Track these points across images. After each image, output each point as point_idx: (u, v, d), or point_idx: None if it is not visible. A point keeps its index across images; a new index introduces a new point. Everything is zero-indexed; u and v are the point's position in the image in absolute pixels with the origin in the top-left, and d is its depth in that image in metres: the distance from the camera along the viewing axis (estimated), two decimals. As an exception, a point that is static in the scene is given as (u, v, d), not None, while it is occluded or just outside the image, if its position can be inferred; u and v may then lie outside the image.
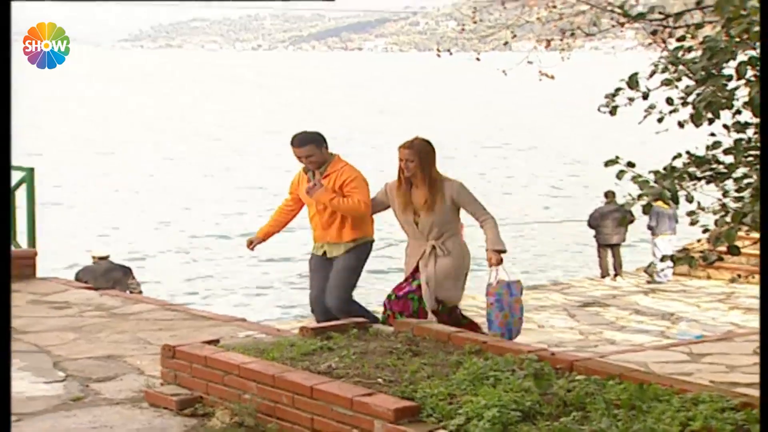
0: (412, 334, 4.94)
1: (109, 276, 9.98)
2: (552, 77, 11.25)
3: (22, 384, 4.77)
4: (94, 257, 10.34)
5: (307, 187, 6.45)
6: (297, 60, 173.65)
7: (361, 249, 6.59)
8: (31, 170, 7.78)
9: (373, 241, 6.77)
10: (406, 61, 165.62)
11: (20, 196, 7.80)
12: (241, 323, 6.26)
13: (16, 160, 7.22)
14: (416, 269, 6.37)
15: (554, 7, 11.29)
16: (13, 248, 7.78)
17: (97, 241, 16.78)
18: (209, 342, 4.80)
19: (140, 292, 9.83)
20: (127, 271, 10.34)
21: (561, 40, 11.07)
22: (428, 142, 6.37)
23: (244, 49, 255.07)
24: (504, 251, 6.42)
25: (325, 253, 6.56)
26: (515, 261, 18.26)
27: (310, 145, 6.56)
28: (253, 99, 63.01)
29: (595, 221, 13.89)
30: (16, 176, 7.77)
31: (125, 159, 31.61)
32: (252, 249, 6.90)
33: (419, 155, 6.26)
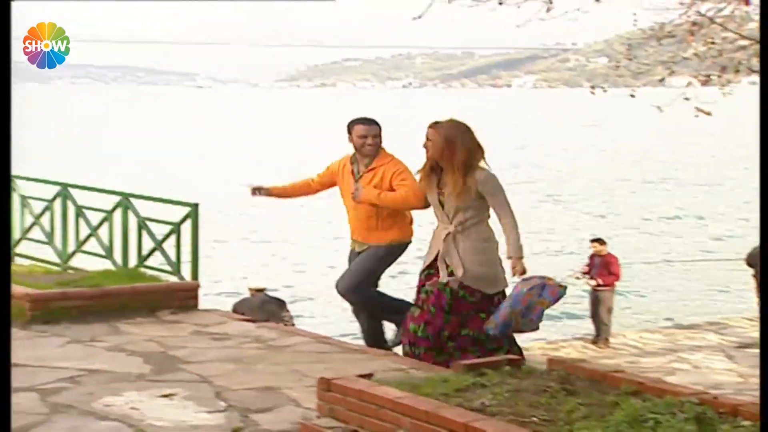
0: (566, 373, 4.88)
1: (264, 308, 10.24)
2: (709, 113, 10.97)
3: (186, 413, 4.96)
4: (250, 289, 10.63)
5: (352, 194, 6.40)
6: (446, 97, 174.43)
7: (395, 247, 6.54)
8: (195, 205, 8.10)
9: (409, 242, 6.64)
10: (555, 97, 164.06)
11: (185, 230, 8.12)
12: (393, 357, 6.32)
13: (186, 196, 7.50)
14: (435, 258, 6.28)
15: (713, 42, 11.03)
16: (176, 280, 8.11)
17: (255, 273, 17.25)
18: (363, 376, 4.88)
19: (293, 325, 10.05)
20: (281, 304, 10.58)
21: (719, 76, 10.80)
22: (460, 124, 6.19)
23: (394, 87, 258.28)
24: (522, 258, 6.22)
25: (357, 248, 6.61)
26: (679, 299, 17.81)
27: (378, 126, 6.51)
28: (404, 135, 63.55)
29: (754, 259, 13.40)
30: (182, 211, 8.12)
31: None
32: (254, 195, 6.90)
33: (445, 137, 6.11)
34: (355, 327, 7.42)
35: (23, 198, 9.51)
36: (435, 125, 6.19)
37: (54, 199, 9.07)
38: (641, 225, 28.52)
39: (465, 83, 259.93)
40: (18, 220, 9.60)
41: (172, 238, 8.24)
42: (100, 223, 8.90)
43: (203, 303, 7.83)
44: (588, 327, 13.27)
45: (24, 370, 5.72)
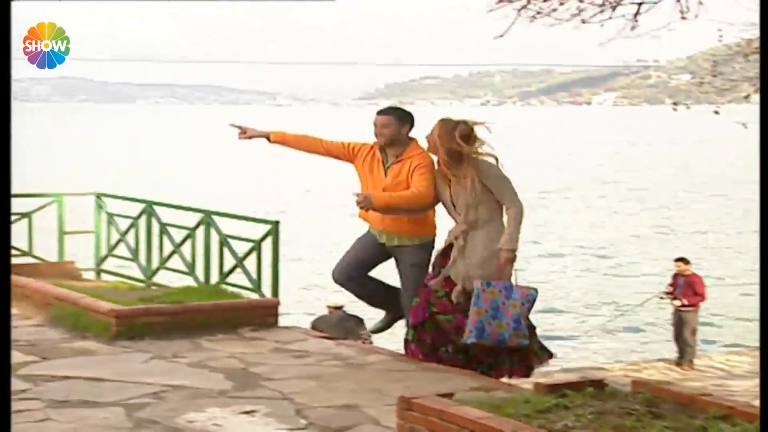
0: (652, 395, 4.78)
1: (342, 325, 10.26)
2: (798, 130, 10.68)
3: (268, 430, 4.99)
4: (329, 307, 10.67)
5: (361, 205, 6.33)
6: (525, 114, 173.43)
7: (427, 244, 6.52)
8: (276, 223, 8.18)
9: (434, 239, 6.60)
10: (636, 114, 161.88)
11: (266, 247, 8.20)
12: (471, 374, 6.26)
13: (267, 214, 7.54)
14: (445, 254, 6.26)
15: (804, 57, 10.75)
16: (257, 297, 8.18)
17: (334, 291, 17.32)
18: (444, 395, 4.84)
19: (371, 343, 10.05)
20: (359, 322, 10.59)
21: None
22: (446, 122, 6.22)
23: (473, 105, 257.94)
24: (514, 251, 6.10)
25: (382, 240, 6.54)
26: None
27: (391, 117, 6.44)
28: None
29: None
30: (263, 229, 8.20)
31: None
32: (241, 136, 6.77)
33: (431, 140, 6.22)
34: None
35: (110, 215, 9.70)
36: (441, 122, 6.28)
37: (139, 216, 9.24)
38: (723, 241, 28.02)
39: (544, 100, 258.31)
40: (104, 237, 9.80)
41: (253, 255, 8.32)
42: (183, 241, 9.04)
43: (283, 320, 7.89)
44: (671, 348, 13.02)
45: (110, 384, 5.82)
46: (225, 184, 35.05)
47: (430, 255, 6.59)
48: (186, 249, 9.03)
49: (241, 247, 8.51)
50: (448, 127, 6.21)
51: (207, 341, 7.05)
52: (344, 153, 6.66)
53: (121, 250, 9.78)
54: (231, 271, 8.60)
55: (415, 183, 6.31)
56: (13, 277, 8.82)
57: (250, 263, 8.36)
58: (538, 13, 6.22)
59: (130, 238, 9.50)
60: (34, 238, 9.77)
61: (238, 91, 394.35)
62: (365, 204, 6.29)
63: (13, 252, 9.63)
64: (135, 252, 9.44)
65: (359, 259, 6.70)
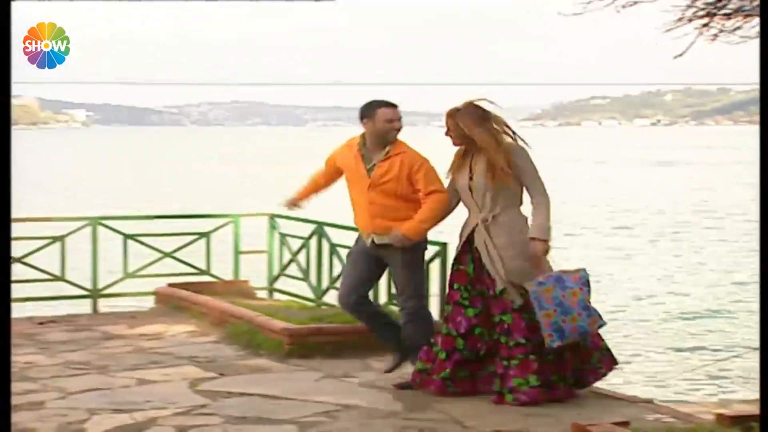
0: None
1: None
2: None
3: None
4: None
5: (394, 243, 6.04)
6: (698, 134, 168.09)
7: (419, 244, 6.18)
8: (444, 245, 8.15)
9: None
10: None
11: (434, 268, 8.17)
12: (646, 405, 6.04)
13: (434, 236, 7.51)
14: (464, 249, 5.95)
15: None
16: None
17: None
18: (619, 423, 4.71)
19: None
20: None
21: None
22: (477, 108, 5.91)
23: (642, 125, 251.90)
24: (547, 241, 5.72)
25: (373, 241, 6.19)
26: None
27: (397, 110, 6.13)
28: (658, 174, 61.83)
29: None
30: (434, 251, 8.18)
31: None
32: (291, 207, 6.58)
33: (462, 124, 5.89)
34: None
35: (282, 236, 9.92)
36: (451, 113, 5.95)
37: (310, 237, 9.40)
38: None
39: (719, 120, 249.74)
40: (277, 257, 10.03)
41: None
42: (353, 261, 9.12)
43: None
44: None
45: (284, 402, 5.93)
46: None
47: (424, 255, 6.30)
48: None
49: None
50: (473, 114, 5.93)
51: (376, 361, 7.08)
52: (334, 169, 6.38)
53: (293, 269, 9.96)
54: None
55: (427, 186, 5.98)
56: (192, 295, 9.16)
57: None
58: (721, 31, 5.95)
59: (302, 258, 9.68)
60: (211, 258, 10.10)
61: (405, 112, 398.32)
62: (402, 242, 6.02)
63: (192, 270, 10.00)
64: (306, 272, 9.60)
65: (357, 278, 6.34)
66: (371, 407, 5.83)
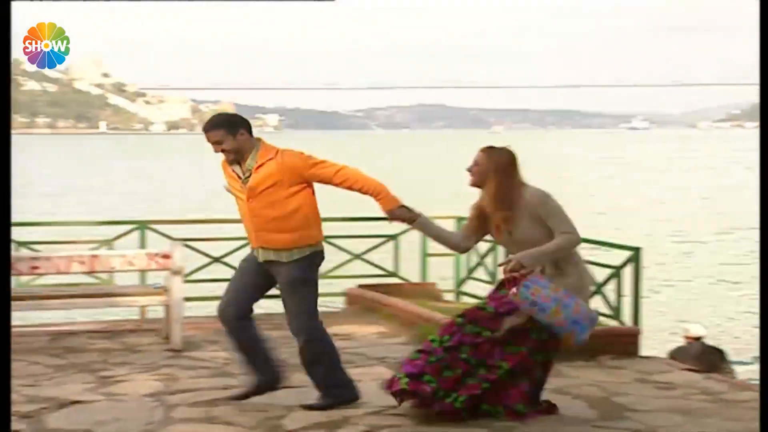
0: None
1: (704, 358, 9.74)
2: None
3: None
4: (687, 337, 10.19)
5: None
6: None
7: (316, 255, 5.67)
8: (637, 249, 7.96)
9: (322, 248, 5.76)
10: None
11: (626, 275, 7.98)
12: None
13: (628, 240, 7.33)
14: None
15: None
16: (617, 325, 7.98)
17: (693, 322, 16.55)
18: None
19: (733, 377, 9.46)
20: (721, 354, 10.02)
21: None
22: (512, 154, 5.45)
23: None
24: (528, 266, 5.20)
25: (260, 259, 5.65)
26: None
27: (220, 130, 5.46)
28: None
29: None
30: (623, 255, 8.00)
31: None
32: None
33: (496, 164, 5.42)
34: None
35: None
36: (488, 150, 5.50)
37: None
38: None
39: None
40: (464, 260, 10.03)
41: (613, 282, 8.12)
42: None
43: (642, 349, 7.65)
44: None
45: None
46: (587, 211, 34.75)
47: (315, 269, 5.72)
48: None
49: (601, 274, 8.33)
50: (504, 158, 5.45)
51: (566, 367, 6.97)
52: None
53: (480, 272, 9.95)
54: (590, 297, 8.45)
55: (350, 173, 5.55)
56: (382, 296, 9.30)
57: (610, 290, 8.17)
58: None
59: (489, 261, 9.65)
60: (399, 260, 10.21)
61: (592, 114, 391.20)
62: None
63: (380, 272, 10.14)
64: (493, 275, 9.56)
65: (240, 288, 5.81)
66: (564, 414, 5.72)
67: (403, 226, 10.11)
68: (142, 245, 9.09)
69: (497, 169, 5.40)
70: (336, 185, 5.61)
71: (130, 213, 29.90)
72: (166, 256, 7.69)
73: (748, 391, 6.44)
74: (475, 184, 5.52)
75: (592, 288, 5.55)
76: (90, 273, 8.41)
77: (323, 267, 9.80)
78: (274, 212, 5.52)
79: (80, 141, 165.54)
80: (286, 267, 5.62)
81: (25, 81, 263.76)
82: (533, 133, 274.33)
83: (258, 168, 5.49)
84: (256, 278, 5.73)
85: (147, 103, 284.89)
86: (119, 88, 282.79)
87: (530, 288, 5.24)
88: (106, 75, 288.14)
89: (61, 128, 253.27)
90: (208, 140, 5.53)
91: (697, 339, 10.08)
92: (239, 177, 5.57)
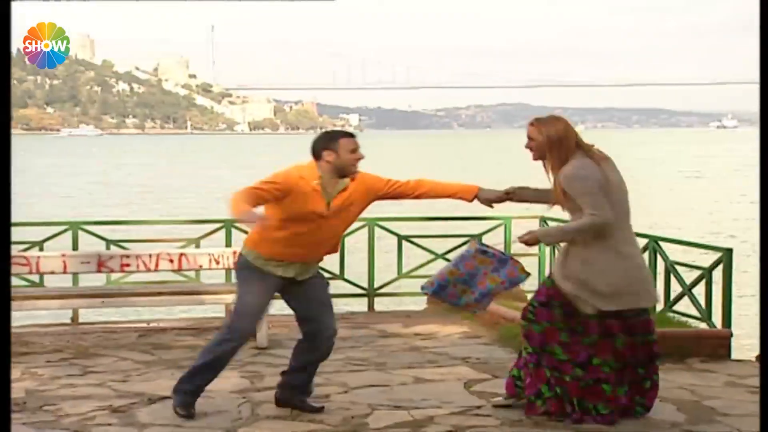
0: None
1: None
2: None
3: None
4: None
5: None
6: None
7: None
8: (729, 251, 7.78)
9: None
10: None
11: (717, 276, 7.81)
12: None
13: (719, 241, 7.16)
14: None
15: None
16: (706, 327, 7.81)
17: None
18: None
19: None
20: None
21: None
22: (562, 120, 5.40)
23: None
24: (537, 239, 5.42)
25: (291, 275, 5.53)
26: None
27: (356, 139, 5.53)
28: None
29: None
30: (715, 256, 7.83)
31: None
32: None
33: (547, 135, 5.35)
34: None
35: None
36: (536, 122, 5.43)
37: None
38: None
39: None
40: (548, 259, 9.93)
41: (702, 284, 7.95)
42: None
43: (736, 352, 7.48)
44: None
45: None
46: (673, 208, 34.19)
47: (247, 270, 5.53)
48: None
49: (690, 275, 8.17)
50: (554, 128, 5.39)
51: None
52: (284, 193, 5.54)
53: None
54: (678, 298, 8.30)
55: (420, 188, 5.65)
56: (465, 296, 9.25)
57: (700, 293, 8.00)
58: None
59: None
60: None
61: (679, 113, 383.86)
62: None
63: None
64: None
65: (264, 309, 5.82)
66: (653, 417, 5.63)
67: (487, 224, 10.16)
68: (228, 243, 9.21)
69: (551, 141, 5.35)
70: (416, 197, 5.70)
71: (216, 213, 30.33)
72: (251, 255, 7.77)
73: None
74: (537, 159, 5.48)
75: (635, 285, 5.38)
76: (177, 271, 8.56)
77: (405, 266, 9.93)
78: (342, 229, 5.62)
79: (166, 140, 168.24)
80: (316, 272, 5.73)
81: (116, 83, 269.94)
82: (620, 132, 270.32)
83: (342, 191, 5.46)
84: (270, 299, 5.69)
85: (231, 103, 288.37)
86: (205, 89, 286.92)
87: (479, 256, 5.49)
88: (192, 76, 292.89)
89: (149, 128, 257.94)
90: (358, 145, 5.47)
91: None
92: (324, 193, 5.44)
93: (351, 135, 5.52)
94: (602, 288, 5.30)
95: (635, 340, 5.50)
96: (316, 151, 5.46)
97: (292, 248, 5.44)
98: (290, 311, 5.83)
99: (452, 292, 5.54)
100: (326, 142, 5.47)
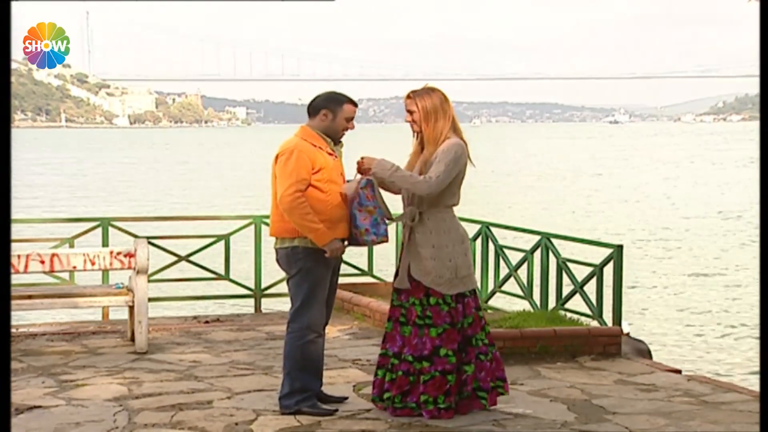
0: None
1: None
2: None
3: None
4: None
5: None
6: None
7: None
8: (619, 247, 7.75)
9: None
10: None
11: (608, 273, 7.78)
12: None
13: (608, 238, 7.10)
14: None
15: None
16: (597, 325, 7.78)
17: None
18: None
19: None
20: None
21: None
22: (437, 90, 5.38)
23: None
24: (375, 174, 5.34)
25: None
26: None
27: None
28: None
29: None
30: (604, 253, 7.79)
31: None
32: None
33: (422, 107, 5.36)
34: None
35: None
36: (413, 94, 5.42)
37: (476, 237, 9.15)
38: None
39: None
40: (492, 273, 9.71)
41: (594, 281, 7.92)
42: (520, 263, 8.79)
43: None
44: None
45: (449, 409, 5.68)
46: (564, 207, 34.51)
47: (301, 261, 5.47)
48: (522, 272, 8.78)
49: (582, 272, 8.12)
50: (430, 99, 5.39)
51: (545, 369, 6.79)
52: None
53: (511, 285, 9.50)
54: (570, 296, 8.25)
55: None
56: (354, 296, 9.05)
57: (590, 288, 7.96)
58: None
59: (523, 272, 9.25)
60: (373, 259, 9.95)
61: (573, 108, 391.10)
62: None
63: (353, 271, 9.87)
64: (530, 287, 9.16)
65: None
66: (543, 417, 5.54)
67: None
68: (105, 243, 8.76)
69: (426, 112, 5.36)
70: None
71: (92, 210, 29.51)
72: (129, 255, 7.40)
73: (732, 392, 6.26)
74: (418, 131, 5.45)
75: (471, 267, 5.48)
76: (50, 272, 8.09)
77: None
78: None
79: (39, 134, 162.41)
80: (280, 256, 5.61)
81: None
82: (511, 126, 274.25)
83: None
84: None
85: (109, 95, 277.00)
86: (80, 79, 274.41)
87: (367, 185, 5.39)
88: (66, 66, 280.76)
89: (20, 121, 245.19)
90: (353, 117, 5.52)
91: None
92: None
93: (355, 104, 5.51)
94: (463, 272, 5.39)
95: (477, 315, 5.54)
96: (315, 107, 5.46)
97: (339, 220, 5.43)
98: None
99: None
100: (329, 103, 5.47)
